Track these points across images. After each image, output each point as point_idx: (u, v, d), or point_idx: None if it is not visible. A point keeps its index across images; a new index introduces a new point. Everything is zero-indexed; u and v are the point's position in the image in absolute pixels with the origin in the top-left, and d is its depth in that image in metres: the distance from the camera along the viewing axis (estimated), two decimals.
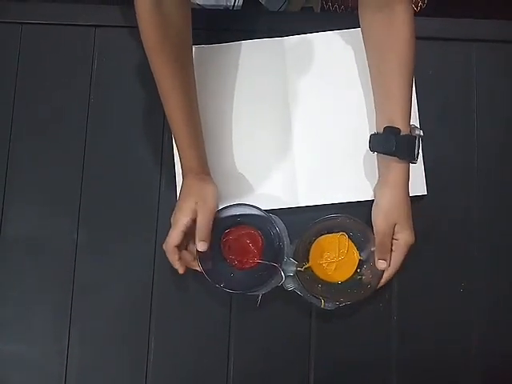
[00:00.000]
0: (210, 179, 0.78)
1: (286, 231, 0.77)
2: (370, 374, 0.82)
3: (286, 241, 0.77)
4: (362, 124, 0.84)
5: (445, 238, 0.84)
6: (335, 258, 0.79)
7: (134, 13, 0.71)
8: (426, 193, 0.83)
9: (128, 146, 0.85)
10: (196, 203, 0.74)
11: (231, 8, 0.92)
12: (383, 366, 0.82)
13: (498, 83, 0.88)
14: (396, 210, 0.75)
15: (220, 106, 0.85)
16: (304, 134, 0.84)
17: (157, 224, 0.83)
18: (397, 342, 0.82)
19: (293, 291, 0.77)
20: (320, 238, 0.80)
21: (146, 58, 0.73)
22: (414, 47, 0.75)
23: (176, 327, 0.82)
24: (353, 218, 0.77)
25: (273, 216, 0.77)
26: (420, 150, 0.76)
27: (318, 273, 0.79)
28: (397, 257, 0.76)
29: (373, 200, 0.80)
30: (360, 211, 0.79)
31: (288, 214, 0.80)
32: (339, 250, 0.80)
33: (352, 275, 0.79)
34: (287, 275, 0.76)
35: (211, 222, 0.74)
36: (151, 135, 0.85)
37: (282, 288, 0.77)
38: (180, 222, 0.73)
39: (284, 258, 0.76)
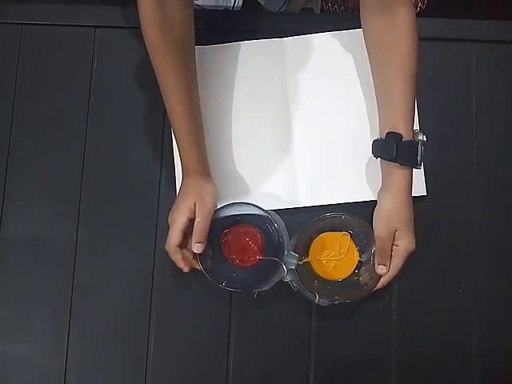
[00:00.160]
0: (210, 179, 0.78)
1: (285, 226, 0.77)
2: (370, 373, 0.82)
3: (285, 234, 0.77)
4: (361, 124, 0.84)
5: (445, 239, 0.84)
6: (335, 257, 0.80)
7: (135, 13, 0.71)
8: (425, 193, 0.83)
9: (128, 145, 0.85)
10: (194, 203, 0.74)
11: (231, 9, 0.92)
12: (383, 366, 0.82)
13: (498, 83, 0.88)
14: (397, 215, 0.75)
15: (220, 106, 0.85)
16: (304, 134, 0.85)
17: (157, 223, 0.83)
18: (396, 342, 0.82)
19: (288, 284, 0.77)
20: (322, 234, 0.80)
21: (146, 58, 0.73)
22: (416, 49, 0.75)
23: (176, 327, 0.82)
24: (357, 218, 0.77)
25: (270, 212, 0.77)
26: (422, 156, 0.75)
27: (316, 269, 0.80)
28: (396, 262, 0.75)
29: (372, 200, 0.80)
30: (360, 211, 0.79)
31: (288, 214, 0.80)
32: (340, 249, 0.80)
33: (350, 275, 0.79)
34: (289, 268, 0.76)
35: (208, 224, 0.74)
36: (151, 135, 0.85)
37: (282, 287, 0.77)
38: (178, 222, 0.73)
39: (285, 253, 0.76)
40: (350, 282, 0.79)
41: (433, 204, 0.83)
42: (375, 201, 0.79)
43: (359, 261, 0.79)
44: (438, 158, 0.84)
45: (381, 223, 0.75)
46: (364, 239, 0.79)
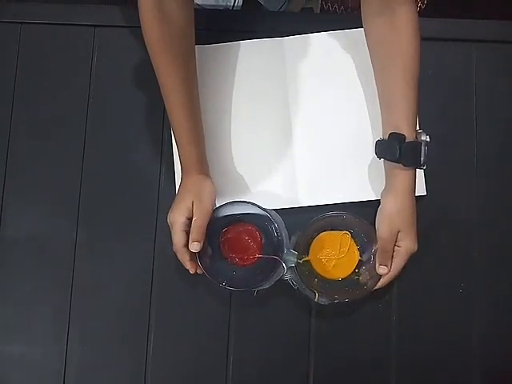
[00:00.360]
0: (209, 179, 0.78)
1: (284, 224, 0.77)
2: (370, 373, 0.82)
3: (284, 232, 0.77)
4: (361, 124, 0.84)
5: (445, 239, 0.84)
6: (335, 256, 0.80)
7: (135, 12, 0.71)
8: (425, 193, 0.83)
9: (128, 145, 0.85)
10: (192, 202, 0.74)
11: (231, 8, 0.92)
12: (383, 365, 0.82)
13: (498, 83, 0.88)
14: (400, 216, 0.75)
15: (220, 106, 0.85)
16: (304, 134, 0.85)
17: (156, 223, 0.83)
18: (396, 341, 0.82)
19: (288, 282, 0.77)
20: (323, 233, 0.80)
21: (146, 58, 0.73)
22: (418, 50, 0.74)
23: (175, 326, 0.82)
24: (358, 217, 0.77)
25: (269, 210, 0.77)
26: (426, 156, 0.74)
27: (316, 267, 0.80)
28: (397, 263, 0.75)
29: (372, 200, 0.80)
30: (360, 211, 0.79)
31: (288, 214, 0.80)
32: (340, 248, 0.80)
33: (350, 274, 0.79)
34: (289, 266, 0.76)
35: (206, 223, 0.73)
36: (151, 135, 0.85)
37: (281, 287, 0.77)
38: (178, 223, 0.73)
39: (284, 250, 0.76)
40: (350, 281, 0.79)
41: (433, 204, 0.83)
42: (375, 201, 0.79)
43: (359, 260, 0.79)
44: (438, 158, 0.84)
45: (383, 224, 0.75)
46: (365, 239, 0.79)
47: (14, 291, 0.82)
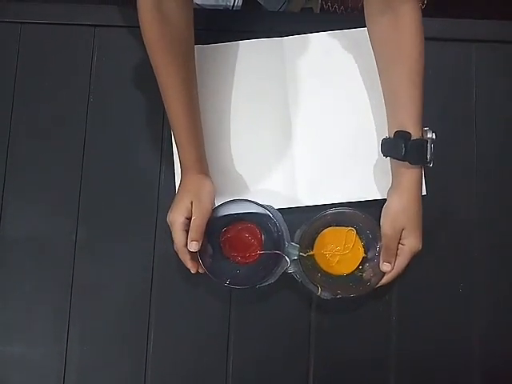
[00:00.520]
0: (208, 179, 0.77)
1: (282, 218, 0.77)
2: (370, 373, 0.82)
3: (284, 226, 0.77)
4: (361, 123, 0.84)
5: (445, 239, 0.84)
6: (340, 251, 0.79)
7: (135, 12, 0.71)
8: (425, 193, 0.83)
9: (127, 145, 0.85)
10: (191, 202, 0.74)
11: (231, 8, 0.92)
12: (383, 365, 0.82)
13: (498, 83, 0.87)
14: (405, 214, 0.74)
15: (220, 105, 0.85)
16: (304, 133, 0.84)
17: (156, 223, 0.83)
18: (396, 341, 0.82)
19: (291, 275, 0.77)
20: (328, 228, 0.80)
21: (146, 58, 0.73)
22: (422, 49, 0.74)
23: (175, 326, 0.82)
24: (365, 214, 0.77)
25: (267, 206, 0.77)
26: (432, 154, 0.74)
27: (320, 262, 0.79)
28: (401, 261, 0.75)
29: (372, 200, 0.80)
30: (362, 211, 0.79)
31: (288, 214, 0.80)
32: (345, 244, 0.79)
33: (353, 271, 0.79)
34: (292, 259, 0.76)
35: (205, 223, 0.73)
36: (151, 135, 0.85)
37: (281, 284, 0.77)
38: (177, 223, 0.73)
39: (285, 244, 0.76)
40: (354, 277, 0.79)
41: (433, 204, 0.83)
42: (374, 201, 0.79)
43: (364, 257, 0.79)
44: (438, 158, 0.84)
45: (388, 221, 0.75)
46: (370, 235, 0.78)
47: (14, 291, 0.82)
